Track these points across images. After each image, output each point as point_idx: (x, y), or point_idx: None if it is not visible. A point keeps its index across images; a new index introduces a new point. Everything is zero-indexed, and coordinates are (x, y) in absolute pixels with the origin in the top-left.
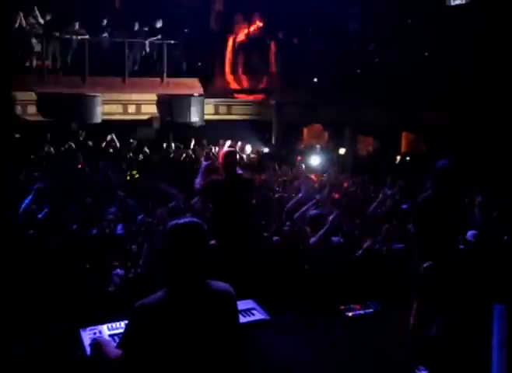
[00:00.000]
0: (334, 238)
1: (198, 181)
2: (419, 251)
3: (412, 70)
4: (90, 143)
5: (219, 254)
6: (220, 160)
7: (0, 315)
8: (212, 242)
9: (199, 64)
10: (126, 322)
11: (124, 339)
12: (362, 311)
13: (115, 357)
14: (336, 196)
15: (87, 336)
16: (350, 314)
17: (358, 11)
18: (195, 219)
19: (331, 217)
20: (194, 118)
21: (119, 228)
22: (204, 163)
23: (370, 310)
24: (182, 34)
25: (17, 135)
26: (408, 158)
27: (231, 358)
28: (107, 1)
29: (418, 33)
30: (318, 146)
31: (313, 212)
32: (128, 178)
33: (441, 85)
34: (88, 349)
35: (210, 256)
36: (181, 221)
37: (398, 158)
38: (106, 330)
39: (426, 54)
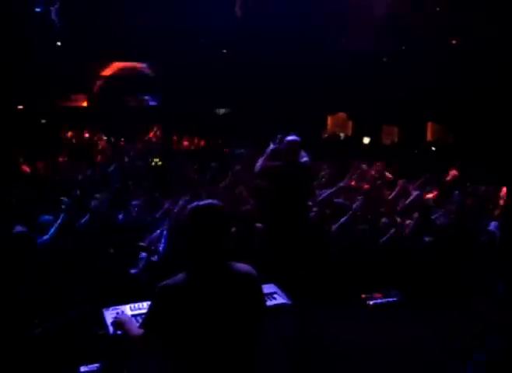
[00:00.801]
0: (359, 227)
1: (259, 163)
2: None
3: (440, 59)
4: None
5: (266, 237)
6: (284, 148)
7: (30, 298)
8: (259, 225)
9: None
10: (148, 302)
11: (146, 318)
12: (384, 300)
13: (136, 334)
14: (365, 186)
15: (110, 315)
16: (372, 302)
17: None
18: (216, 201)
19: (354, 206)
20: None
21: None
22: (271, 146)
23: (393, 299)
24: None
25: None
26: (433, 148)
27: (252, 339)
28: None
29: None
30: (342, 135)
31: (336, 200)
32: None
33: (471, 75)
34: (110, 327)
35: (230, 237)
36: (202, 202)
37: (421, 148)
38: (128, 310)
39: (453, 42)
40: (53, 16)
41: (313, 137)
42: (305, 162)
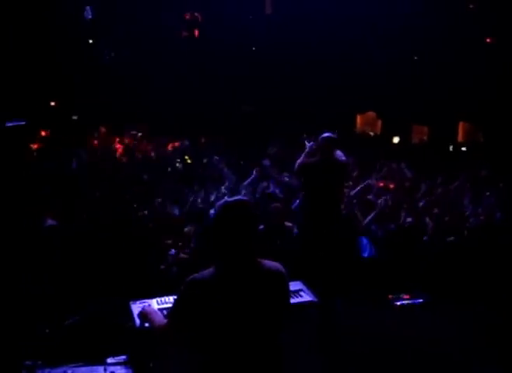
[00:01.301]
0: (390, 226)
1: (298, 161)
2: None
3: (472, 59)
4: None
5: (300, 234)
6: (318, 145)
7: (63, 291)
8: (289, 224)
9: None
10: (175, 296)
11: (172, 310)
12: (411, 301)
13: (160, 325)
14: (391, 185)
15: (136, 308)
16: (399, 303)
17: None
18: (245, 198)
19: (379, 202)
20: None
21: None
22: (309, 144)
23: (420, 300)
24: None
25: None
26: (464, 149)
27: (277, 336)
28: None
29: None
30: (371, 134)
31: (365, 197)
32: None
33: (506, 74)
34: (137, 320)
35: (258, 234)
36: (231, 199)
37: (451, 147)
38: (155, 304)
39: (487, 40)
40: (86, 16)
41: (342, 135)
42: (341, 159)
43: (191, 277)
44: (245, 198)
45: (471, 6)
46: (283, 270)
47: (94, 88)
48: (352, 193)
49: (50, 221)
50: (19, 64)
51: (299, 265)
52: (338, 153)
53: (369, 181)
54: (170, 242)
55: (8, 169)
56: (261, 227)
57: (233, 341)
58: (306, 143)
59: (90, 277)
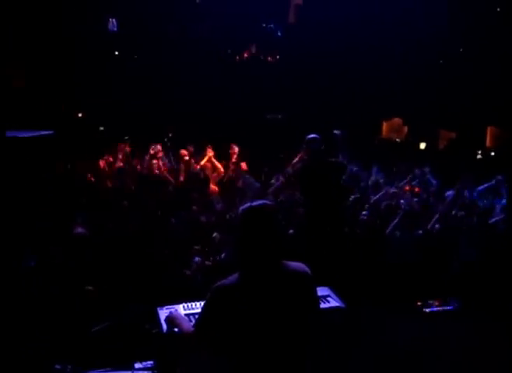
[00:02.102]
0: (417, 232)
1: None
2: None
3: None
4: None
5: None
6: (304, 147)
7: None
8: (291, 231)
9: None
10: (202, 302)
11: (200, 317)
12: (440, 308)
13: (187, 330)
14: (416, 189)
15: (163, 314)
16: (428, 310)
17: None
18: (267, 201)
19: (403, 207)
20: None
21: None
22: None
23: (449, 307)
24: None
25: None
26: (492, 154)
27: (304, 338)
28: None
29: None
30: (398, 140)
31: (385, 203)
32: None
33: None
34: (164, 325)
35: (283, 237)
36: (253, 203)
37: (480, 153)
38: (181, 310)
39: None
40: (111, 28)
41: (367, 141)
42: (333, 160)
43: (217, 283)
44: (268, 202)
45: (498, 9)
46: (308, 270)
47: (120, 99)
48: (373, 200)
49: (79, 229)
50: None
51: (326, 270)
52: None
53: (390, 187)
54: (197, 248)
55: (36, 179)
56: (291, 231)
57: (261, 345)
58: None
59: (118, 284)
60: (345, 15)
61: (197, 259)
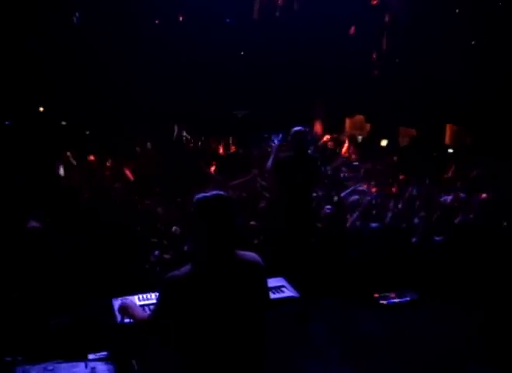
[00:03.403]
0: (373, 224)
1: (269, 161)
2: None
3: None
4: None
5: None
6: (290, 140)
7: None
8: (252, 223)
9: None
10: (156, 293)
11: (154, 308)
12: (397, 300)
13: (141, 318)
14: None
15: (118, 304)
16: (385, 302)
17: None
18: (221, 192)
19: (364, 200)
20: None
21: None
22: (275, 144)
23: (406, 299)
24: None
25: None
26: (450, 151)
27: (258, 328)
28: None
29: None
30: (360, 137)
31: (352, 198)
32: None
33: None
34: (118, 315)
35: (236, 228)
36: (207, 194)
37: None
38: (137, 300)
39: (472, 42)
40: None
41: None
42: (313, 153)
43: (169, 273)
44: (222, 192)
45: (457, 11)
46: (260, 260)
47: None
48: (343, 194)
49: (33, 223)
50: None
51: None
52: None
53: (358, 186)
54: (154, 240)
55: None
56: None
57: (214, 335)
58: (272, 144)
59: (77, 277)
60: (307, 16)
61: (156, 252)
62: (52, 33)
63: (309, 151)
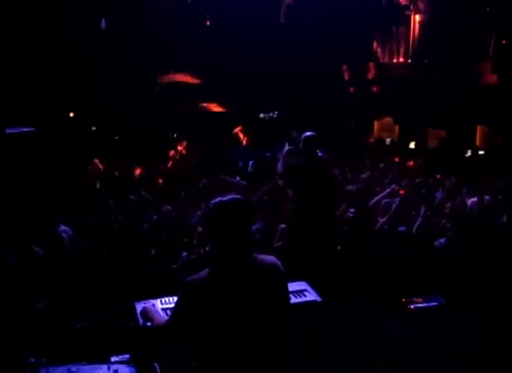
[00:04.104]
0: (401, 228)
1: (279, 165)
2: None
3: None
4: None
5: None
6: (302, 145)
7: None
8: (283, 226)
9: None
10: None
11: (173, 312)
12: (424, 305)
13: (158, 323)
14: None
15: (140, 307)
16: (412, 307)
17: None
18: (238, 196)
19: (394, 204)
20: None
21: None
22: (286, 147)
23: (434, 303)
24: None
25: None
26: (481, 152)
27: (276, 332)
28: None
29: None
30: (389, 139)
31: (384, 201)
32: None
33: None
34: (140, 319)
35: (253, 231)
36: (224, 198)
37: (469, 152)
38: (159, 304)
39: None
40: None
41: (359, 141)
42: (324, 157)
43: (189, 278)
44: (238, 196)
45: (487, 9)
46: (279, 263)
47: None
48: (373, 201)
49: (63, 227)
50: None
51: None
52: (320, 151)
53: (389, 189)
54: (186, 240)
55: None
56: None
57: (233, 339)
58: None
59: (104, 280)
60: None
61: (184, 254)
62: (79, 40)
63: (323, 156)
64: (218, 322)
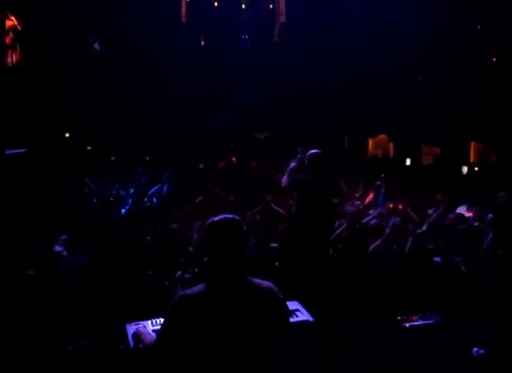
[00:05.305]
0: (395, 248)
1: (284, 179)
2: None
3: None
4: None
5: (296, 248)
6: (307, 162)
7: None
8: (274, 245)
9: None
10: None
11: (161, 327)
12: (420, 323)
13: (149, 343)
14: (400, 207)
15: (132, 329)
16: (408, 325)
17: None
18: (233, 216)
19: (390, 224)
20: None
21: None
22: (292, 164)
23: (430, 321)
24: None
25: None
26: (476, 169)
27: (265, 354)
28: None
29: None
30: (379, 156)
31: (374, 222)
32: None
33: None
34: (131, 341)
35: (247, 251)
36: (219, 217)
37: (465, 169)
38: (149, 325)
39: (493, 59)
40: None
41: (353, 158)
42: (329, 174)
43: (180, 293)
44: (231, 216)
45: (478, 27)
46: (274, 288)
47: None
48: (365, 220)
49: (57, 248)
50: None
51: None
52: (325, 169)
53: (380, 209)
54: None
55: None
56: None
57: (220, 358)
58: (292, 163)
59: (98, 301)
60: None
61: (179, 273)
62: (76, 57)
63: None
64: (207, 340)
